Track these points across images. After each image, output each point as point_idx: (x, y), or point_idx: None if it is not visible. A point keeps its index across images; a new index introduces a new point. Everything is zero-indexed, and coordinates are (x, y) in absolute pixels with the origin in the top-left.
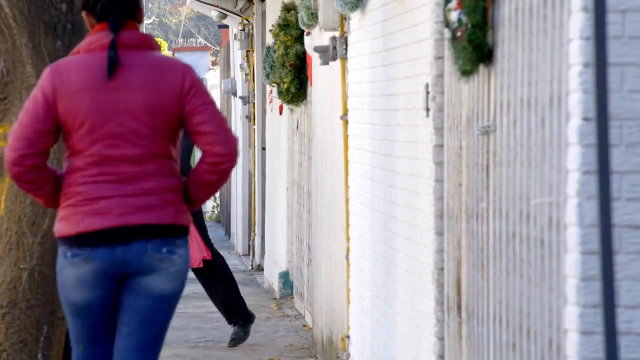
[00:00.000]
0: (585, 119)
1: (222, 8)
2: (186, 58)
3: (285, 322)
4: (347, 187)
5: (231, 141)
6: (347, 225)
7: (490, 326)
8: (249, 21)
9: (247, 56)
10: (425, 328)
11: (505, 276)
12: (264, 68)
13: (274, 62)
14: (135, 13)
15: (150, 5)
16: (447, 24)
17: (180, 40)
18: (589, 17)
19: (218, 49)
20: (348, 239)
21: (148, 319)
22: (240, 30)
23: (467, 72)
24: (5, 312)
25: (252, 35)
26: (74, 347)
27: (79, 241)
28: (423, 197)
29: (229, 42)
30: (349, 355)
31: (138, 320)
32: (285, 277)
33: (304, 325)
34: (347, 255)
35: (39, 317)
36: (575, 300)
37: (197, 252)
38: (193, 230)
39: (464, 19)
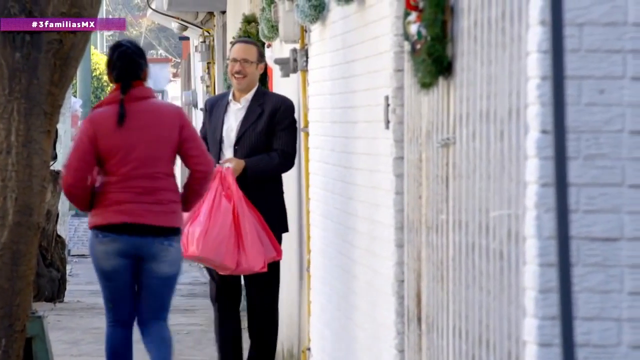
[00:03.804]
0: (544, 131)
1: (182, 20)
2: None
3: (247, 334)
4: (307, 199)
5: (210, 162)
6: (308, 237)
7: (449, 338)
8: (209, 33)
9: (208, 68)
10: (386, 340)
11: (464, 288)
12: (225, 80)
13: None
14: (140, 76)
15: (110, 17)
16: (406, 36)
17: None
18: (546, 31)
19: (179, 60)
20: (309, 251)
21: (158, 291)
22: (201, 42)
23: (426, 84)
24: None
25: (213, 47)
26: (106, 306)
27: (108, 229)
28: (383, 209)
29: (189, 54)
30: None
31: (150, 293)
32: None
33: None
34: (308, 267)
35: None
36: (534, 312)
37: (259, 255)
38: (261, 232)
39: (424, 31)
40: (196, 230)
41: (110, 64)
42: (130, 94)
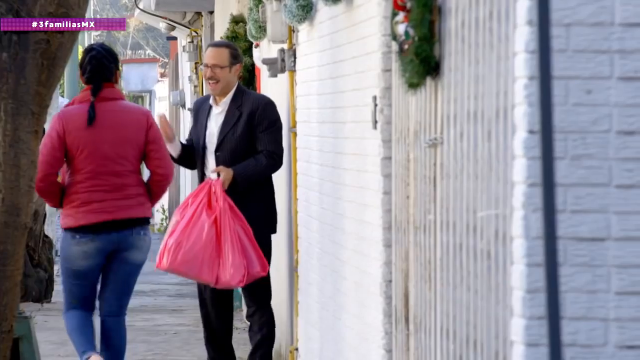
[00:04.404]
0: (531, 131)
1: (170, 20)
2: (135, 70)
3: (234, 334)
4: (295, 199)
5: (170, 166)
6: (296, 237)
7: (437, 338)
8: (197, 33)
9: (196, 68)
10: (373, 340)
11: (452, 288)
12: None
13: None
14: (111, 79)
15: (98, 17)
16: (394, 37)
17: (129, 52)
18: (533, 31)
19: (167, 60)
20: (297, 251)
21: (125, 278)
22: (189, 42)
23: (414, 84)
24: None
25: (201, 47)
26: (68, 303)
27: (83, 230)
28: (371, 209)
29: (177, 54)
30: None
31: (118, 279)
32: (233, 289)
33: None
34: (296, 267)
35: None
36: (521, 312)
37: (240, 270)
38: (247, 246)
39: (411, 32)
40: (170, 242)
41: (82, 67)
42: (100, 95)
